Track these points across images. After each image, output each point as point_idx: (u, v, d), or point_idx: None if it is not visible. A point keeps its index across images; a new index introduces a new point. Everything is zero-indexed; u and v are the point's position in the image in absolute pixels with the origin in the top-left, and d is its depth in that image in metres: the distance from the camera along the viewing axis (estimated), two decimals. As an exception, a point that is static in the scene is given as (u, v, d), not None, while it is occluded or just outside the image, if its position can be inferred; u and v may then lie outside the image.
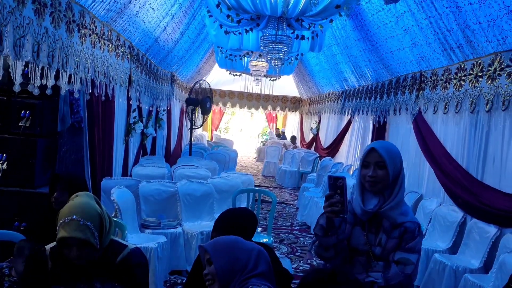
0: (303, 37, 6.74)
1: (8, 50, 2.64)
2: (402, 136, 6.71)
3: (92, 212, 1.89)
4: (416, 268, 1.97)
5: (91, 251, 1.90)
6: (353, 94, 9.41)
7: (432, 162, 5.34)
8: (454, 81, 4.97)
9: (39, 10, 2.97)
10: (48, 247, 1.99)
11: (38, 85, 3.12)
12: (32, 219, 3.62)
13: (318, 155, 11.31)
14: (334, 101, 11.19)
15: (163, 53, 7.55)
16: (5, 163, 3.67)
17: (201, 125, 10.81)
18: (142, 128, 6.63)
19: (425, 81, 5.75)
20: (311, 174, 10.30)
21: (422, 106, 5.78)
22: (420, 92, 5.87)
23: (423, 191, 5.75)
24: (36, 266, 1.93)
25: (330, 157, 10.05)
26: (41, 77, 3.16)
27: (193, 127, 9.09)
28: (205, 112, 9.49)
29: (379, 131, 7.51)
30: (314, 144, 13.25)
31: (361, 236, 2.05)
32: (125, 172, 6.12)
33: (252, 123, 26.57)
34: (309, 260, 2.05)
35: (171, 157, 9.57)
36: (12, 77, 2.87)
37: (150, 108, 7.56)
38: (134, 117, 6.26)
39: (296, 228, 7.13)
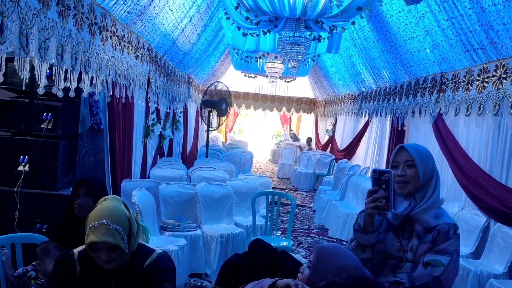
0: (319, 38, 6.69)
1: (33, 52, 2.65)
2: (421, 138, 6.62)
3: (121, 216, 1.88)
4: (450, 271, 1.87)
5: (120, 255, 1.88)
6: (371, 95, 9.33)
7: (454, 165, 5.25)
8: (477, 82, 4.88)
9: (63, 12, 2.98)
10: (76, 250, 1.98)
11: (62, 88, 3.13)
12: (54, 221, 3.65)
13: (334, 157, 11.23)
14: (350, 103, 11.11)
15: (180, 55, 7.57)
16: (27, 165, 3.69)
17: (218, 127, 10.82)
18: (160, 130, 6.65)
19: (446, 83, 5.66)
20: (327, 176, 10.24)
21: (443, 108, 5.70)
22: (441, 94, 5.79)
23: (444, 194, 5.66)
24: (64, 270, 1.92)
25: (346, 160, 9.97)
26: (65, 80, 3.18)
27: (210, 129, 9.09)
28: (221, 114, 9.49)
29: (398, 133, 7.43)
30: (330, 146, 13.16)
31: (394, 242, 2.00)
32: (143, 174, 6.13)
33: (265, 125, 26.52)
34: None
35: (187, 159, 9.59)
36: (37, 80, 2.88)
37: (168, 110, 7.59)
38: (153, 119, 6.28)
39: (313, 231, 7.08)
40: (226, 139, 18.90)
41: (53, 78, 3.06)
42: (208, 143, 9.28)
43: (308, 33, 6.48)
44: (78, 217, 2.52)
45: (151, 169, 6.38)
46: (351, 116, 11.02)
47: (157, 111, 6.69)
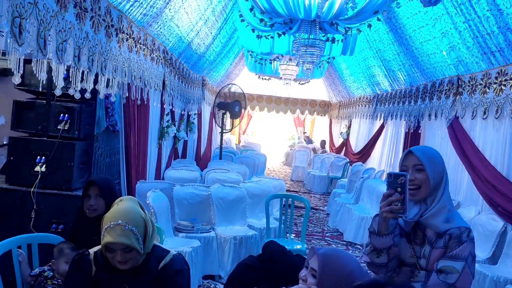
0: (333, 40, 6.66)
1: (51, 54, 2.69)
2: (437, 141, 6.54)
3: (137, 217, 1.89)
4: (466, 277, 1.81)
5: (135, 256, 1.89)
6: (386, 98, 9.26)
7: (470, 169, 5.18)
8: (494, 85, 4.81)
9: (80, 14, 3.01)
10: (92, 251, 1.99)
11: (79, 89, 3.16)
12: (69, 222, 3.68)
13: (348, 160, 11.17)
14: (365, 105, 11.04)
15: (195, 57, 7.60)
16: (44, 166, 3.73)
17: (231, 129, 10.85)
18: (175, 131, 6.68)
19: (463, 86, 5.59)
20: (341, 179, 10.18)
21: (460, 111, 5.62)
22: (457, 97, 5.72)
23: (460, 199, 5.59)
24: (80, 271, 1.93)
25: (361, 162, 9.90)
26: (81, 81, 3.21)
27: (224, 131, 9.11)
28: (234, 116, 9.51)
29: (413, 136, 7.36)
30: (344, 148, 13.09)
31: (407, 249, 1.97)
32: (157, 175, 6.16)
33: (279, 127, 26.48)
34: (363, 260, 1.97)
35: (201, 161, 9.61)
36: (54, 81, 2.91)
37: (182, 112, 7.62)
38: (167, 121, 6.31)
39: (327, 234, 7.04)
40: (239, 141, 18.93)
41: (70, 79, 3.09)
42: (222, 145, 9.30)
43: (323, 34, 6.45)
44: (89, 218, 2.52)
45: (165, 171, 6.41)
46: (366, 118, 10.95)
47: (172, 113, 6.72)
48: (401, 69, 7.60)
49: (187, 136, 8.02)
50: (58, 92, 2.91)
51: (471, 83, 5.37)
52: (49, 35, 2.60)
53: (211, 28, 7.04)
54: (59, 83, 2.90)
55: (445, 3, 4.94)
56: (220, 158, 8.97)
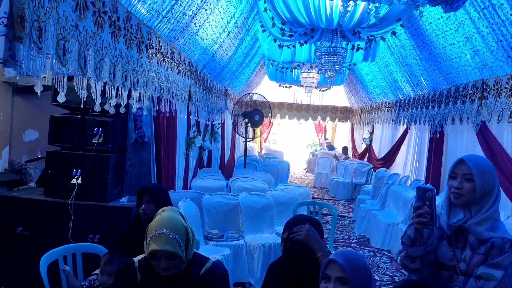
0: (357, 48, 6.71)
1: (90, 72, 2.83)
2: (462, 146, 6.51)
3: (180, 226, 1.99)
4: (504, 286, 1.84)
5: (178, 263, 1.99)
6: (408, 103, 9.23)
7: (500, 174, 5.15)
8: (521, 88, 4.79)
9: (114, 33, 3.16)
10: (136, 259, 2.09)
11: (114, 104, 3.30)
12: (105, 232, 3.81)
13: (372, 166, 11.14)
14: (387, 111, 11.01)
15: (218, 68, 7.74)
16: (80, 178, 3.88)
17: (254, 138, 10.94)
18: (201, 141, 6.81)
19: (488, 90, 5.58)
20: (365, 185, 10.15)
21: (486, 115, 5.60)
22: (482, 101, 5.70)
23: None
24: (126, 278, 2.04)
25: (385, 168, 9.87)
26: (116, 96, 3.35)
27: (248, 139, 9.21)
28: (255, 125, 9.61)
29: (437, 141, 7.33)
30: (367, 154, 13.05)
31: (448, 251, 2.01)
32: (185, 185, 6.29)
33: (299, 134, 26.50)
34: (394, 269, 2.03)
35: (225, 169, 9.73)
36: (93, 97, 3.05)
37: (207, 122, 7.76)
38: (194, 131, 6.44)
39: (354, 241, 7.04)
40: (261, 149, 19.02)
41: (106, 95, 3.23)
42: (246, 153, 9.40)
43: (345, 43, 6.52)
44: (144, 222, 2.68)
45: (192, 180, 6.53)
46: (388, 124, 10.92)
47: (197, 123, 6.86)
48: (424, 74, 7.60)
49: (211, 146, 8.15)
50: (97, 108, 3.05)
51: (496, 87, 5.35)
52: (88, 54, 2.75)
53: (233, 39, 7.17)
54: (98, 99, 3.04)
55: (467, 8, 4.95)
56: (245, 167, 9.07)
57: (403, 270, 2.08)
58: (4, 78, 5.08)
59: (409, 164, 9.18)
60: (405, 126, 9.53)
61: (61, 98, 2.52)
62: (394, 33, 5.61)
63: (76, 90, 2.82)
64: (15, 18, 1.94)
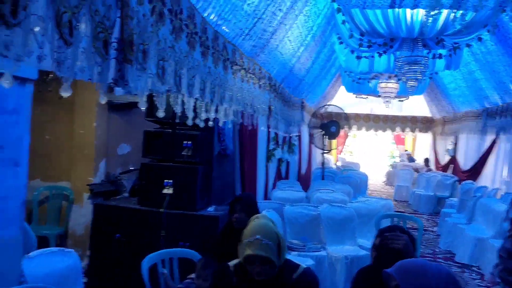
0: (440, 56, 6.52)
1: (183, 89, 3.04)
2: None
3: (272, 233, 2.09)
4: None
5: (271, 268, 2.08)
6: (496, 111, 8.74)
7: None
8: None
9: (204, 52, 3.36)
10: (231, 264, 2.22)
11: (203, 119, 3.51)
12: (195, 240, 4.02)
13: (457, 179, 10.63)
14: (472, 120, 10.48)
15: (296, 81, 7.86)
16: (171, 189, 4.13)
17: (330, 150, 10.91)
18: (280, 153, 6.94)
19: None
20: (450, 198, 9.71)
21: None
22: None
23: None
24: (222, 282, 2.17)
25: (472, 181, 9.38)
26: (205, 111, 3.56)
27: (325, 151, 9.23)
28: (331, 136, 9.59)
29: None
30: (452, 166, 12.44)
31: None
32: (264, 196, 6.43)
33: (376, 145, 25.87)
34: (490, 284, 1.97)
35: (302, 181, 9.77)
36: (185, 113, 3.27)
37: (285, 134, 7.88)
38: (273, 144, 6.59)
39: (439, 256, 6.76)
40: (336, 160, 18.83)
41: (197, 110, 3.44)
42: (324, 165, 9.40)
43: (426, 51, 6.36)
44: (235, 229, 2.82)
45: (271, 191, 6.66)
46: (474, 134, 10.39)
47: (276, 135, 7.00)
48: (514, 80, 7.20)
49: (289, 157, 8.25)
50: (190, 122, 3.26)
51: None
52: (182, 73, 2.96)
53: (311, 52, 7.26)
54: (190, 114, 3.25)
55: None
56: (323, 179, 9.07)
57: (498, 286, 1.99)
58: (104, 100, 5.53)
59: (498, 176, 8.66)
60: (493, 136, 9.03)
61: (160, 114, 2.74)
62: (480, 39, 5.39)
63: (172, 106, 3.04)
64: (126, 43, 2.16)
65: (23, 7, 1.49)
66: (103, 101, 2.32)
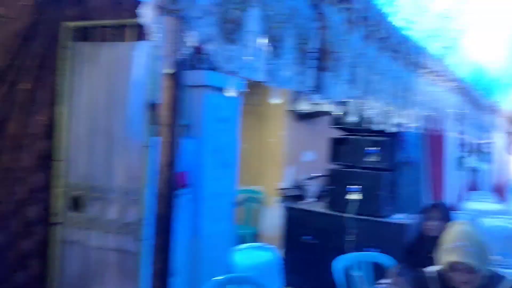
0: None
1: (372, 95, 3.07)
2: None
3: (478, 240, 1.99)
4: None
5: (475, 277, 1.97)
6: None
7: None
8: None
9: (393, 57, 3.35)
10: (429, 270, 2.16)
11: (391, 124, 3.49)
12: (382, 246, 3.98)
13: None
14: None
15: (488, 83, 7.19)
16: (358, 194, 4.19)
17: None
18: (472, 162, 6.42)
19: None
20: None
21: None
22: None
23: None
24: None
25: None
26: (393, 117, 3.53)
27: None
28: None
29: None
30: None
31: None
32: (454, 207, 6.00)
33: None
34: None
35: (497, 192, 8.81)
36: (372, 119, 3.30)
37: (476, 141, 7.26)
38: (464, 151, 6.13)
39: None
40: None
41: (385, 115, 3.43)
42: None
43: None
44: (428, 237, 2.75)
45: (462, 202, 6.19)
46: None
47: (467, 142, 6.50)
48: None
49: (482, 166, 7.56)
50: (376, 128, 3.28)
51: None
52: (372, 78, 3.00)
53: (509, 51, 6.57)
54: (377, 120, 3.27)
55: None
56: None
57: None
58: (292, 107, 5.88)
59: None
60: None
61: (352, 118, 2.83)
62: None
63: (362, 112, 3.10)
64: (323, 51, 2.31)
65: (241, 25, 1.72)
66: (300, 108, 2.50)
